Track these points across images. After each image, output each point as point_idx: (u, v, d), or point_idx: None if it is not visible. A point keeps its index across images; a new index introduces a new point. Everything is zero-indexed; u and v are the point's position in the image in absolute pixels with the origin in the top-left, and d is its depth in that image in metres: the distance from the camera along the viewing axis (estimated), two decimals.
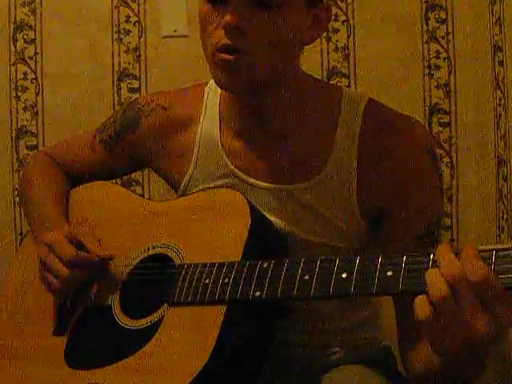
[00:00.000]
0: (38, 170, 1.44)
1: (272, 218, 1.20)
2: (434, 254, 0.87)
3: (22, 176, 1.50)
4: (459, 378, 0.96)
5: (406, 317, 1.14)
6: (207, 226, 1.15)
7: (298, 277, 0.98)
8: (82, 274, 1.19)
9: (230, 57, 1.11)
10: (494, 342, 0.84)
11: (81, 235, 1.22)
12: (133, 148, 1.37)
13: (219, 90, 1.28)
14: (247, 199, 1.14)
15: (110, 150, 1.39)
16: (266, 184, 1.22)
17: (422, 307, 0.84)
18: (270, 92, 1.19)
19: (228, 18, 1.09)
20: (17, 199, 2.25)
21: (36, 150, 2.25)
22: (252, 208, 1.13)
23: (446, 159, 2.18)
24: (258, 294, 1.01)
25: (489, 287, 0.81)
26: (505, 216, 2.05)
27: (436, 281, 0.83)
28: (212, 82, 1.32)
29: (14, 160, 2.27)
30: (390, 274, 0.89)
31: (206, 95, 1.31)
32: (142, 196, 2.07)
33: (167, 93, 1.37)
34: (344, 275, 0.93)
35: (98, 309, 1.20)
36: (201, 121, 1.29)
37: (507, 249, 0.83)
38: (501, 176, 2.07)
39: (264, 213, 1.19)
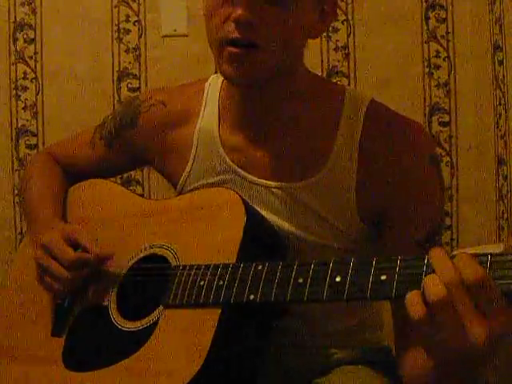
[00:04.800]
0: (37, 169, 1.44)
1: (269, 215, 1.19)
2: (427, 259, 0.85)
3: (22, 176, 1.50)
4: None
5: (400, 315, 1.13)
6: (203, 225, 1.14)
7: (291, 280, 0.97)
8: (81, 273, 1.19)
9: (239, 50, 1.10)
10: (490, 357, 0.81)
11: (76, 234, 1.22)
12: (132, 144, 1.36)
13: (219, 85, 1.29)
14: (243, 199, 1.13)
15: (109, 146, 1.39)
16: (265, 181, 1.21)
17: (414, 306, 0.81)
18: (273, 84, 1.18)
19: (240, 11, 1.08)
20: (17, 199, 2.25)
21: (36, 150, 2.25)
22: (247, 207, 1.12)
23: (446, 159, 2.17)
24: (252, 297, 1.00)
25: (485, 289, 0.78)
26: (505, 216, 2.04)
27: (434, 284, 0.80)
28: (212, 78, 1.32)
29: (14, 160, 2.27)
30: (383, 278, 0.87)
31: (206, 91, 1.30)
32: (142, 195, 2.07)
33: (167, 89, 1.37)
34: (338, 279, 0.92)
35: (95, 309, 1.20)
36: (200, 116, 1.28)
37: (501, 254, 0.81)
38: (501, 176, 2.06)
39: (261, 209, 1.18)
